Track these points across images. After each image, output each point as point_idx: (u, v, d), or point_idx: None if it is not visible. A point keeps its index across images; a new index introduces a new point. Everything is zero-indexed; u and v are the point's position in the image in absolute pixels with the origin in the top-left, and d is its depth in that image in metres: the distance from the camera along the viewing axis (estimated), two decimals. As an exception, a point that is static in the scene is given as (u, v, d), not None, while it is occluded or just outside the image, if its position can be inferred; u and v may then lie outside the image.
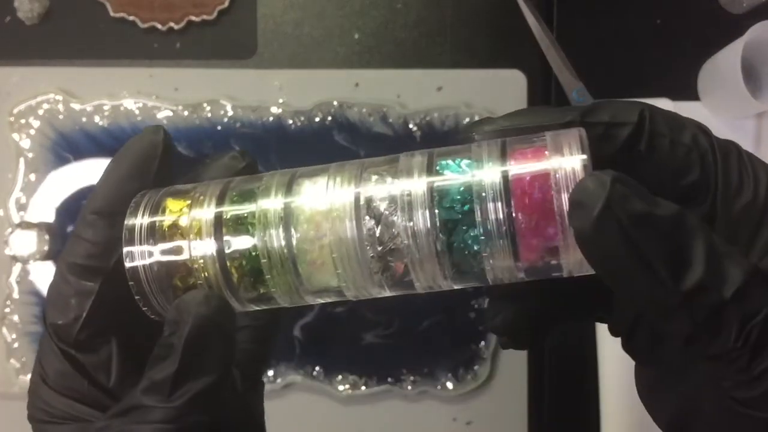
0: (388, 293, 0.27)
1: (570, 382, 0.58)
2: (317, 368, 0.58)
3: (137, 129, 0.59)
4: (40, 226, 0.57)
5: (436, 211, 0.25)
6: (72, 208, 0.58)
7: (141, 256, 0.26)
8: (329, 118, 0.58)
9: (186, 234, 0.26)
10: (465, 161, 0.25)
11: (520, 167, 0.24)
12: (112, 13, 0.59)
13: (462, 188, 0.25)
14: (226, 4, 0.59)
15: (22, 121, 0.59)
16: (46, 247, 0.57)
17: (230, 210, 0.26)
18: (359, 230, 0.25)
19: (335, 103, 0.58)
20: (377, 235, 0.25)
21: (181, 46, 0.60)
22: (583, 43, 0.59)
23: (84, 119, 0.59)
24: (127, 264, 0.26)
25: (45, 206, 0.58)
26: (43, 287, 0.58)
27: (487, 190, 0.24)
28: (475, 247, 0.25)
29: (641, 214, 0.22)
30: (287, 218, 0.26)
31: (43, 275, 0.58)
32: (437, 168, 0.25)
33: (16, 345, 0.58)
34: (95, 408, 0.28)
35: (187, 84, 0.59)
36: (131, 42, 0.60)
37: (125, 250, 0.26)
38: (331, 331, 0.58)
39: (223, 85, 0.59)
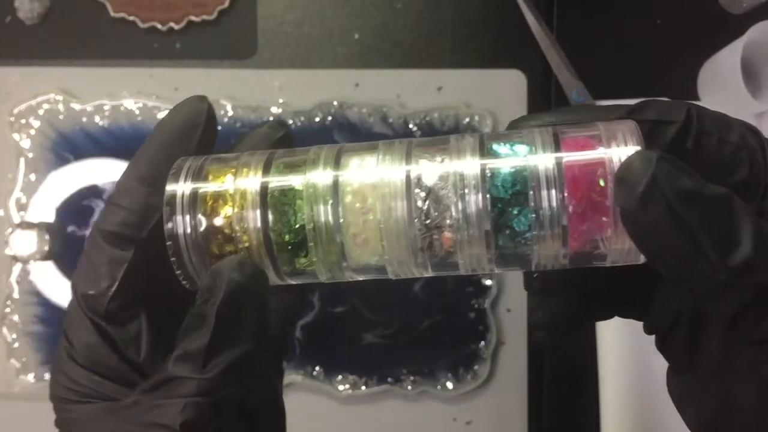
0: (429, 273, 0.26)
1: (570, 382, 0.59)
2: (317, 368, 0.58)
3: (137, 129, 0.59)
4: (41, 226, 0.57)
5: (488, 191, 0.25)
6: (72, 208, 0.58)
7: (181, 220, 0.26)
8: (329, 118, 0.59)
9: (229, 202, 0.26)
10: (518, 145, 0.25)
11: (575, 155, 0.24)
12: (112, 13, 0.59)
13: (515, 171, 0.25)
14: (226, 4, 0.59)
15: (23, 121, 0.59)
16: (46, 247, 0.57)
17: (276, 180, 0.26)
18: (408, 206, 0.25)
19: (335, 103, 0.58)
20: (426, 212, 0.25)
21: (182, 46, 0.60)
22: (583, 43, 0.59)
23: (84, 119, 0.59)
24: (167, 226, 0.26)
25: (45, 206, 0.58)
26: (44, 287, 0.58)
27: (540, 174, 0.24)
28: (524, 231, 0.25)
29: (688, 192, 0.22)
30: (335, 191, 0.26)
31: (44, 275, 0.58)
32: (489, 149, 0.25)
33: (16, 345, 0.58)
34: (123, 385, 0.27)
35: (187, 84, 0.59)
36: (131, 42, 0.60)
37: (166, 212, 0.26)
38: (331, 331, 0.58)
39: (223, 85, 0.59)
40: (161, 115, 0.59)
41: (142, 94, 0.59)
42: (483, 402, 0.59)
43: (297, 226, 0.26)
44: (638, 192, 0.22)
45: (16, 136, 0.59)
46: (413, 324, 0.58)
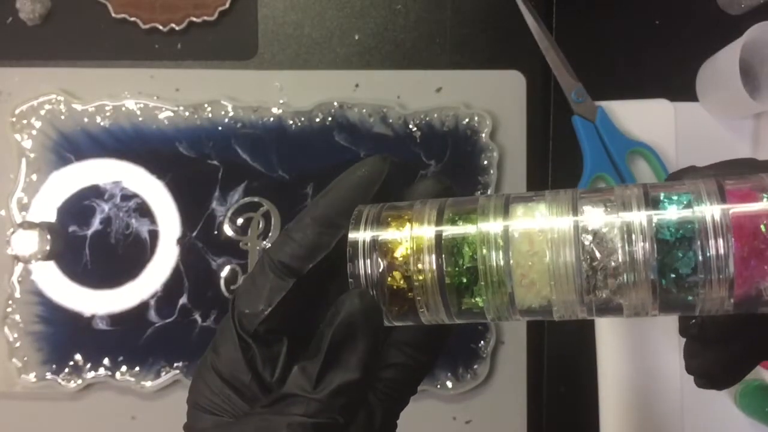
0: (593, 316, 0.28)
1: (569, 382, 0.59)
2: (317, 367, 0.58)
3: (138, 129, 0.59)
4: (42, 226, 0.58)
5: (654, 236, 0.26)
6: (74, 208, 0.59)
7: (362, 263, 0.29)
8: (329, 118, 0.59)
9: (406, 247, 0.29)
10: (683, 196, 0.27)
11: (740, 205, 0.26)
12: (113, 14, 0.59)
13: (682, 221, 0.26)
14: (227, 5, 0.60)
15: (24, 121, 0.59)
16: (47, 247, 0.57)
17: (450, 228, 0.29)
18: (577, 252, 0.27)
19: (335, 103, 0.59)
20: (594, 258, 0.27)
21: (182, 47, 0.61)
22: (582, 44, 0.59)
23: (85, 119, 0.59)
24: (349, 268, 0.29)
25: (47, 206, 0.59)
26: (45, 287, 0.58)
27: (707, 221, 0.26)
28: (691, 278, 0.26)
29: None
30: (506, 238, 0.28)
31: (45, 275, 0.58)
32: (654, 198, 0.27)
33: (17, 344, 0.58)
34: (251, 403, 0.29)
35: (188, 84, 0.60)
36: (132, 43, 0.60)
37: (349, 254, 0.29)
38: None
39: (223, 85, 0.59)
40: (162, 115, 0.59)
41: (143, 95, 0.59)
42: (482, 401, 0.59)
43: (468, 266, 0.28)
44: None
45: (17, 136, 0.59)
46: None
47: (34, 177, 0.59)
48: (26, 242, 0.57)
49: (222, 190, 0.59)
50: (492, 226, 0.28)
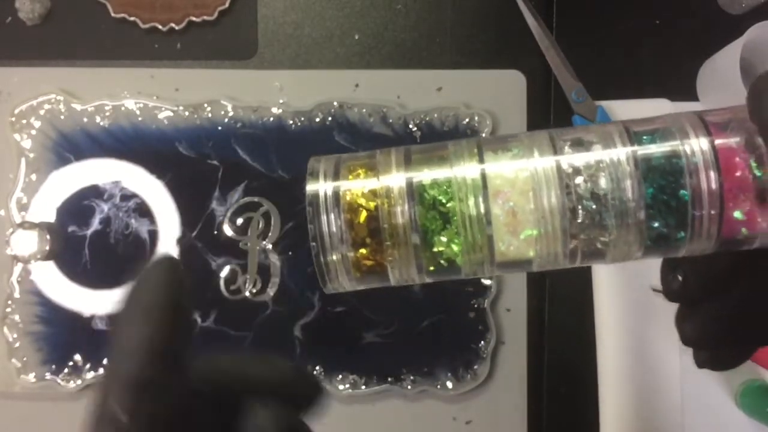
0: (577, 263, 0.26)
1: (569, 382, 0.59)
2: (317, 368, 0.58)
3: (138, 129, 0.59)
4: (42, 226, 0.57)
5: (642, 177, 0.25)
6: (73, 208, 0.59)
7: (326, 219, 0.26)
8: (329, 118, 0.59)
9: (373, 198, 0.26)
10: (666, 130, 0.25)
11: (726, 138, 0.25)
12: (112, 14, 0.59)
13: (668, 156, 0.25)
14: (227, 4, 0.60)
15: (24, 121, 0.59)
16: (47, 247, 0.57)
17: (422, 174, 0.26)
18: (562, 194, 0.25)
19: (335, 103, 0.59)
20: (579, 198, 0.25)
21: (182, 47, 0.61)
22: (582, 44, 0.59)
23: (85, 119, 0.59)
24: (310, 227, 0.26)
25: (46, 206, 0.59)
26: (44, 287, 0.58)
27: (695, 158, 0.24)
28: (679, 214, 0.25)
29: None
30: (483, 180, 0.26)
31: (45, 275, 0.58)
32: (636, 134, 0.26)
33: (17, 345, 0.58)
34: None
35: (187, 84, 0.60)
36: (132, 42, 0.60)
37: (309, 213, 0.26)
38: (331, 331, 0.58)
39: (223, 85, 0.59)
40: (162, 115, 0.59)
41: (142, 95, 0.59)
42: (483, 401, 0.59)
43: (444, 212, 0.26)
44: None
45: (17, 136, 0.59)
46: (413, 324, 0.58)
47: (33, 177, 0.59)
48: (26, 242, 0.57)
49: (222, 190, 0.59)
50: (467, 169, 0.26)
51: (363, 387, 0.58)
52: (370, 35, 0.61)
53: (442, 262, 0.26)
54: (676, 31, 0.60)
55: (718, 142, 0.25)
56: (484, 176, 0.26)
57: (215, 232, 0.58)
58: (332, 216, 0.26)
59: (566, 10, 0.60)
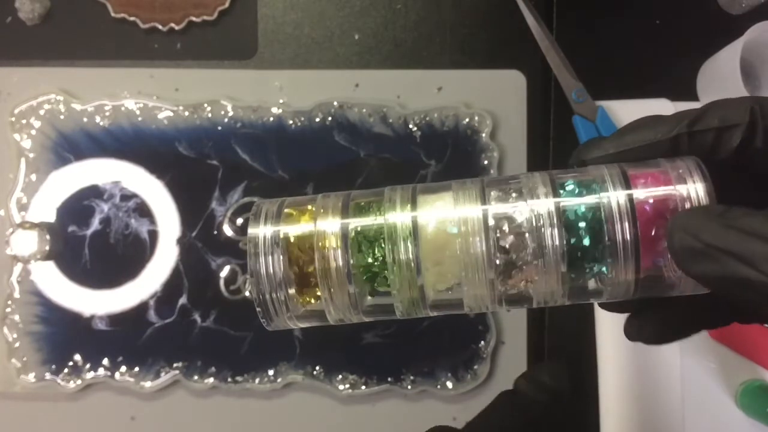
0: (504, 307, 0.28)
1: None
2: (317, 368, 0.58)
3: (138, 129, 0.59)
4: (41, 226, 0.57)
5: (563, 227, 0.26)
6: (73, 208, 0.59)
7: (263, 261, 0.27)
8: (329, 118, 0.59)
9: (310, 242, 0.27)
10: (588, 182, 0.27)
11: (645, 191, 0.26)
12: (112, 14, 0.59)
13: (588, 207, 0.26)
14: (227, 4, 0.60)
15: (23, 121, 0.59)
16: (47, 247, 0.57)
17: (356, 220, 0.28)
18: (487, 242, 0.26)
19: (335, 103, 0.59)
20: (503, 247, 0.26)
21: (182, 47, 0.61)
22: (582, 44, 0.59)
23: (85, 119, 0.59)
24: (250, 264, 0.27)
25: (46, 206, 0.59)
26: (44, 287, 0.58)
27: (614, 208, 0.26)
28: (598, 262, 0.26)
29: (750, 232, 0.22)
30: (414, 228, 0.27)
31: (44, 275, 0.58)
32: (560, 186, 0.27)
33: (17, 345, 0.58)
34: None
35: (187, 84, 0.60)
36: (132, 42, 0.60)
37: (249, 251, 0.27)
38: (331, 331, 0.58)
39: (223, 85, 0.59)
40: (162, 115, 0.59)
41: (142, 95, 0.59)
42: (483, 401, 0.58)
43: (377, 260, 0.27)
44: (693, 249, 0.22)
45: (17, 136, 0.59)
46: (413, 324, 0.58)
47: (33, 177, 0.59)
48: (25, 242, 0.57)
49: (222, 190, 0.59)
50: (399, 216, 0.27)
51: (363, 387, 0.58)
52: (370, 35, 0.61)
53: (377, 304, 0.28)
54: (676, 31, 0.60)
55: (639, 194, 0.26)
56: (415, 224, 0.27)
57: (215, 232, 0.58)
58: (271, 258, 0.27)
59: (566, 10, 0.60)
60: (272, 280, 0.27)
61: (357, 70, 0.60)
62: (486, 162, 0.58)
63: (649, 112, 0.62)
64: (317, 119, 0.59)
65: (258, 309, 0.28)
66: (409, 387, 0.58)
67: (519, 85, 0.60)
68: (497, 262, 0.26)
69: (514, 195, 0.27)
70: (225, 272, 0.58)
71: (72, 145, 0.59)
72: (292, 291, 0.27)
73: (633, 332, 0.29)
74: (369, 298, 0.28)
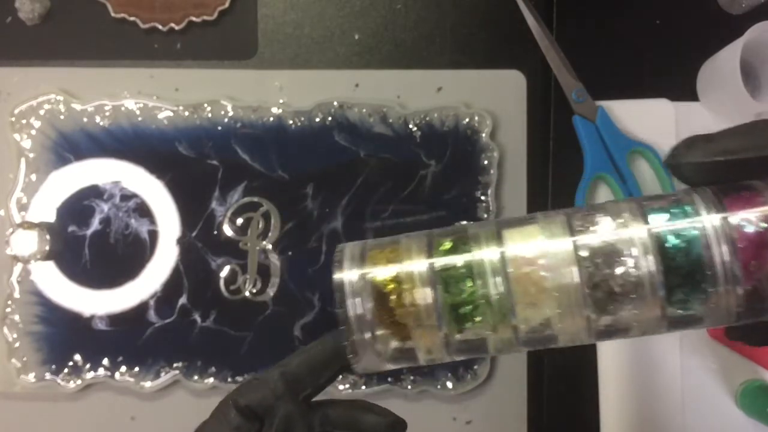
0: (594, 340, 0.27)
1: (569, 382, 0.59)
2: (317, 368, 0.58)
3: (138, 129, 0.59)
4: (41, 226, 0.57)
5: (659, 256, 0.25)
6: (73, 208, 0.59)
7: (352, 303, 0.27)
8: (329, 118, 0.59)
9: (397, 283, 0.27)
10: (681, 206, 0.26)
11: (742, 215, 0.25)
12: (112, 14, 0.59)
13: (683, 233, 0.25)
14: (227, 4, 0.60)
15: (23, 121, 0.59)
16: (47, 247, 0.57)
17: (444, 259, 0.27)
18: (580, 275, 0.25)
19: (335, 103, 0.59)
20: (597, 279, 0.25)
21: (182, 47, 0.60)
22: (582, 44, 0.59)
23: (85, 119, 0.59)
24: (339, 311, 0.27)
25: (46, 206, 0.59)
26: (44, 287, 0.58)
27: (710, 233, 0.25)
28: (697, 293, 0.25)
29: None
30: (503, 265, 0.26)
31: (44, 275, 0.58)
32: (651, 212, 0.26)
33: (17, 345, 0.58)
34: None
35: (187, 84, 0.60)
36: (132, 42, 0.60)
37: (337, 297, 0.27)
38: (331, 331, 0.58)
39: (223, 85, 0.59)
40: (162, 115, 0.59)
41: (142, 95, 0.59)
42: (483, 401, 0.59)
43: (466, 299, 0.26)
44: None
45: (17, 136, 0.59)
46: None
47: (33, 177, 0.59)
48: (25, 242, 0.57)
49: (222, 190, 0.59)
50: (488, 253, 0.26)
51: (363, 387, 0.58)
52: (370, 35, 0.61)
53: (468, 341, 0.27)
54: (676, 32, 0.60)
55: (736, 217, 0.25)
56: (503, 259, 0.26)
57: (215, 232, 0.58)
58: (358, 300, 0.27)
59: (566, 10, 0.60)
60: (361, 323, 0.27)
61: (357, 70, 0.60)
62: (486, 162, 0.58)
63: (649, 112, 0.62)
64: (317, 119, 0.59)
65: (349, 351, 0.28)
66: (409, 387, 0.58)
67: (519, 85, 0.60)
68: (591, 295, 0.25)
69: (601, 225, 0.26)
70: (225, 272, 0.58)
71: (72, 145, 0.59)
72: (381, 332, 0.27)
73: (737, 335, 0.28)
74: (459, 336, 0.27)
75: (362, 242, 0.29)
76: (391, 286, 0.27)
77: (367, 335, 0.27)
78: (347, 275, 0.28)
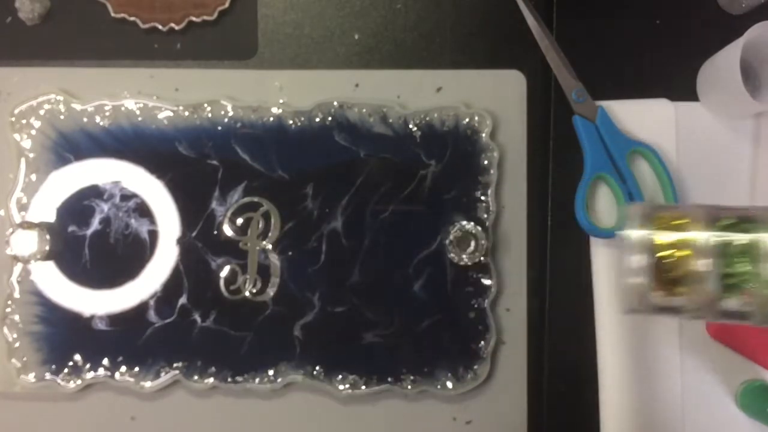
0: None
1: (569, 382, 0.59)
2: (317, 368, 0.58)
3: (138, 129, 0.59)
4: (41, 226, 0.57)
5: None
6: (73, 208, 0.59)
7: (637, 259, 0.31)
8: (329, 118, 0.59)
9: (680, 248, 0.30)
10: None
11: None
12: (112, 14, 0.59)
13: None
14: (227, 4, 0.60)
15: (23, 121, 0.59)
16: (47, 247, 0.57)
17: (725, 235, 0.30)
18: None
19: (335, 103, 0.59)
20: None
21: (182, 47, 0.61)
22: (582, 44, 0.59)
23: (85, 119, 0.59)
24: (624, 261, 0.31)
25: (46, 206, 0.59)
26: (44, 287, 0.58)
27: None
28: None
29: None
30: None
31: (44, 275, 0.58)
32: None
33: (17, 345, 0.58)
34: None
35: (187, 84, 0.60)
36: (132, 42, 0.60)
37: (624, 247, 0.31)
38: (331, 331, 0.58)
39: (223, 85, 0.59)
40: (162, 115, 0.59)
41: (142, 95, 0.59)
42: (483, 401, 0.59)
43: (743, 271, 0.29)
44: None
45: (17, 136, 0.59)
46: (413, 324, 0.58)
47: (33, 177, 0.59)
48: (25, 242, 0.57)
49: (222, 190, 0.59)
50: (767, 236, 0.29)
51: (363, 387, 0.58)
52: (370, 35, 0.61)
53: (733, 312, 0.31)
54: (676, 32, 0.60)
55: None
56: None
57: (215, 232, 0.58)
58: (640, 256, 0.31)
59: (566, 10, 0.60)
60: (641, 274, 0.31)
61: (357, 70, 0.60)
62: (486, 162, 0.58)
63: (649, 112, 0.63)
64: (317, 119, 0.59)
65: (622, 295, 0.31)
66: (409, 387, 0.58)
67: (519, 85, 0.60)
68: None
69: None
70: (225, 272, 0.58)
71: (72, 145, 0.59)
72: (655, 285, 0.31)
73: None
74: (726, 304, 0.30)
75: (650, 204, 0.33)
76: (673, 249, 0.31)
77: (642, 288, 0.31)
78: (635, 232, 0.32)
